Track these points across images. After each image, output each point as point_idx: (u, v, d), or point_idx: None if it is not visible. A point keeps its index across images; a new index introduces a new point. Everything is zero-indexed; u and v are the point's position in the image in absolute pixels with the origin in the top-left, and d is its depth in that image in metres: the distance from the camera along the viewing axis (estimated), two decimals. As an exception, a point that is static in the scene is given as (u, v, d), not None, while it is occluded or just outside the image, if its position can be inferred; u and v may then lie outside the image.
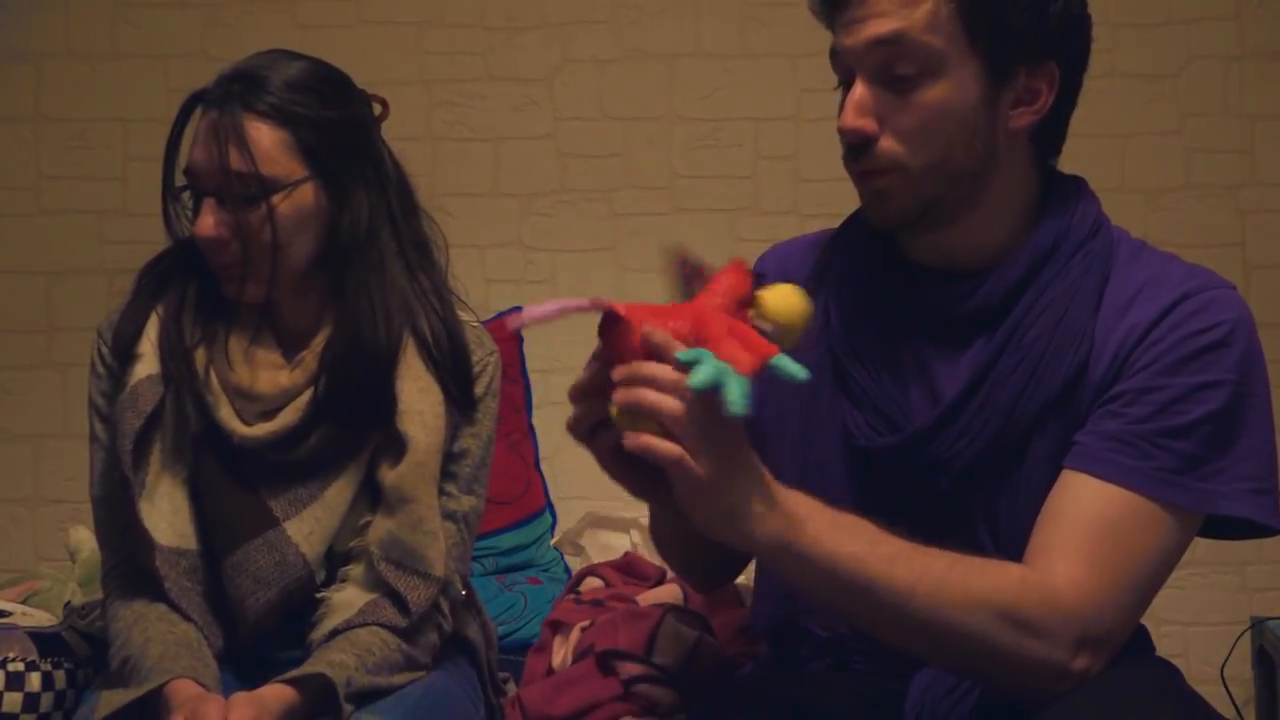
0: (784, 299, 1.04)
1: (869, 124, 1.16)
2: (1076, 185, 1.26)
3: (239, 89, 1.37)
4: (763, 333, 1.01)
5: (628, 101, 2.85)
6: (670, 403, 0.96)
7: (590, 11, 2.85)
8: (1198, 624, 2.72)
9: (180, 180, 1.42)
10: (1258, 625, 2.45)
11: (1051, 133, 1.22)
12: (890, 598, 1.05)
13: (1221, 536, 1.19)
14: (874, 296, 1.26)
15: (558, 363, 2.76)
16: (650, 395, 0.97)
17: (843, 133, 1.17)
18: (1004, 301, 1.20)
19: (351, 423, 1.41)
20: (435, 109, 2.83)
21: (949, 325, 1.22)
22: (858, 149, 1.18)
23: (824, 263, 1.32)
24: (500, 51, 2.85)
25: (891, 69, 1.15)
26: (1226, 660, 2.38)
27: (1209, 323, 1.14)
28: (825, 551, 1.04)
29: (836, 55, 1.20)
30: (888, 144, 1.16)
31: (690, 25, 2.86)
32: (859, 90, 1.16)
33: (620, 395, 0.98)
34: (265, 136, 1.35)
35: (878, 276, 1.26)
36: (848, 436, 1.23)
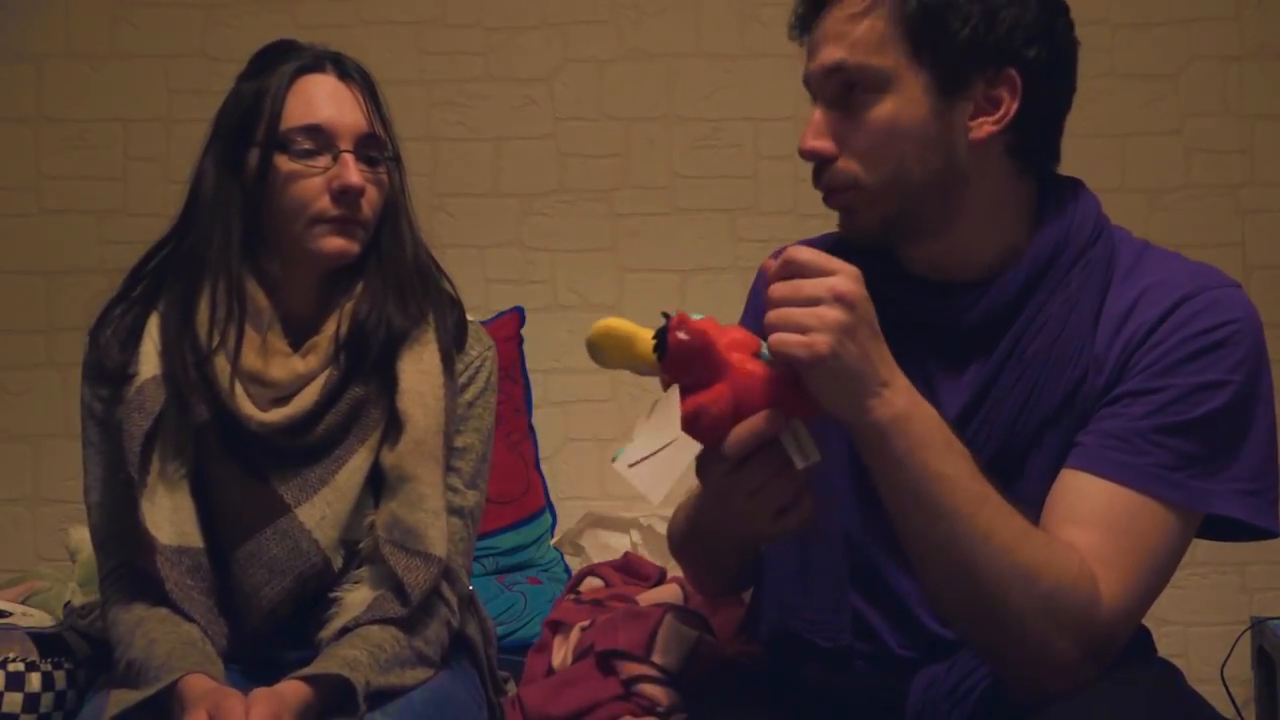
0: (609, 332, 1.07)
1: (825, 145, 1.19)
2: (1075, 189, 1.24)
3: (348, 63, 1.47)
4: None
5: (628, 101, 2.85)
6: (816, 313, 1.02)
7: (590, 11, 2.85)
8: (1198, 624, 2.72)
9: (291, 136, 1.41)
10: (1258, 625, 2.45)
11: (1033, 141, 1.20)
12: (962, 534, 1.05)
13: (1219, 538, 1.19)
14: (875, 310, 1.26)
15: (558, 363, 2.76)
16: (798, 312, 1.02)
17: (801, 154, 1.21)
18: (1003, 315, 1.19)
19: (363, 402, 1.43)
20: (435, 109, 2.83)
21: (950, 339, 1.21)
22: (818, 170, 1.21)
23: None
24: (500, 51, 2.85)
25: (842, 91, 1.18)
26: (1226, 660, 2.38)
27: (1211, 323, 1.14)
28: (921, 460, 1.05)
29: (806, 82, 1.23)
30: (844, 163, 1.19)
31: (690, 25, 2.86)
32: (817, 114, 1.20)
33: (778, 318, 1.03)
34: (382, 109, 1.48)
35: (877, 289, 1.26)
36: (852, 452, 1.23)
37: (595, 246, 2.83)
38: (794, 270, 1.04)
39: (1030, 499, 1.15)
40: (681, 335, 1.03)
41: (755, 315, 1.39)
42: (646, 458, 1.04)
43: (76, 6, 2.83)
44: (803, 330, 1.01)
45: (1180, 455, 1.11)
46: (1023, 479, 1.17)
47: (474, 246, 2.80)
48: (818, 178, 1.21)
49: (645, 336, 1.06)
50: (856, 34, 1.16)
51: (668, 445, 1.04)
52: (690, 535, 1.36)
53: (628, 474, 1.04)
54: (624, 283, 2.81)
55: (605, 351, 1.08)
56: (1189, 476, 1.11)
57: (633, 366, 1.08)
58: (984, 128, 1.16)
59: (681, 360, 1.03)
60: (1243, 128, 2.83)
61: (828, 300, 1.02)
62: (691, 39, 2.86)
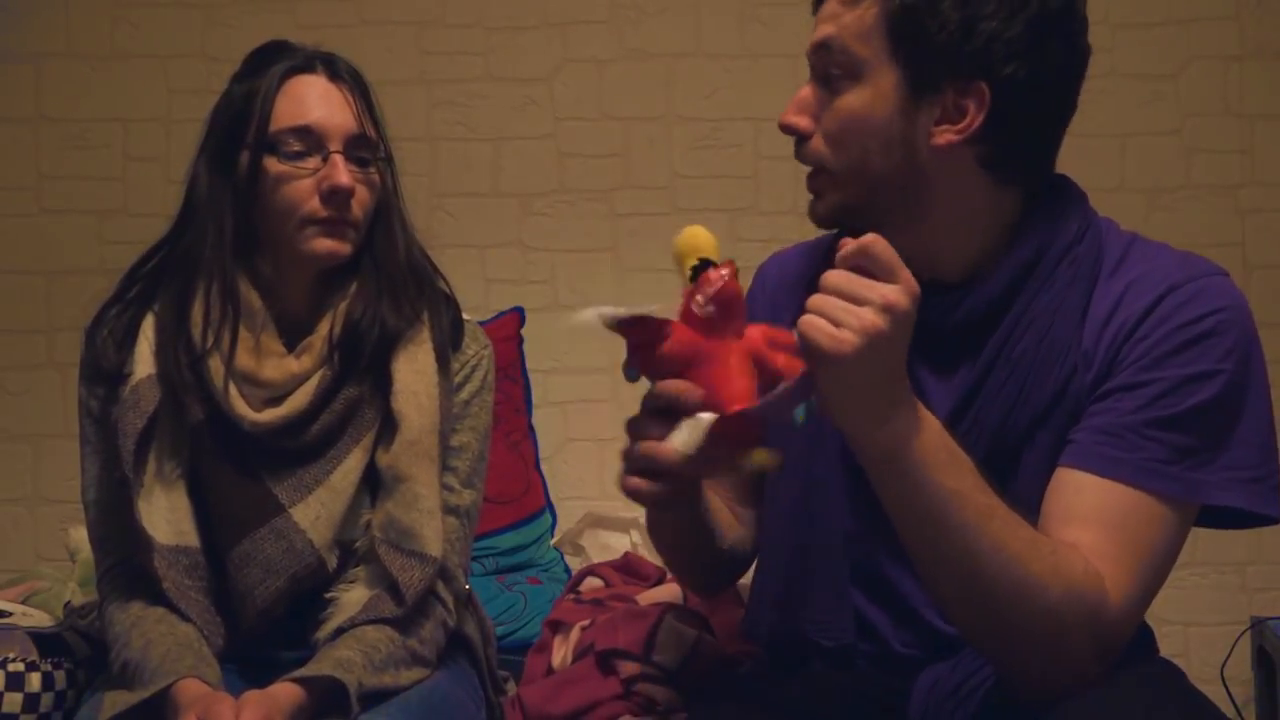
0: (694, 236, 1.10)
1: (801, 121, 1.21)
2: (1062, 189, 1.24)
3: (339, 63, 1.47)
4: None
5: (628, 101, 2.85)
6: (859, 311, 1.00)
7: (590, 11, 2.85)
8: (1198, 624, 2.72)
9: (280, 138, 1.41)
10: (1258, 625, 2.45)
11: (1009, 157, 1.18)
12: (973, 547, 1.04)
13: (1224, 527, 1.18)
14: None
15: (558, 363, 2.76)
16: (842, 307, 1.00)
17: (779, 126, 1.23)
18: (988, 316, 1.19)
19: (358, 402, 1.43)
20: (435, 109, 2.83)
21: (938, 340, 1.21)
22: (796, 146, 1.23)
23: (817, 271, 1.33)
24: (500, 51, 2.85)
25: (826, 71, 1.19)
26: (1226, 660, 2.38)
27: (1198, 313, 1.13)
28: (929, 477, 1.04)
29: (807, 57, 1.24)
30: (815, 143, 1.21)
31: (690, 25, 2.86)
32: (804, 89, 1.21)
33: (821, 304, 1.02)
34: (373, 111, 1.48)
35: None
36: (846, 453, 1.22)
37: (595, 246, 2.83)
38: (864, 260, 1.02)
39: (1025, 497, 1.15)
40: (718, 276, 1.04)
41: (752, 311, 1.39)
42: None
43: (76, 6, 2.83)
44: (836, 323, 1.00)
45: (1173, 448, 1.11)
46: (1017, 478, 1.17)
47: (474, 246, 2.80)
48: (795, 154, 1.24)
49: (705, 251, 1.07)
50: (848, 18, 1.17)
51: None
52: (649, 515, 1.36)
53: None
54: (624, 283, 2.81)
55: (681, 242, 1.10)
56: (1184, 469, 1.11)
57: (679, 264, 1.10)
58: (945, 135, 1.16)
59: (702, 293, 1.05)
60: (1243, 128, 2.83)
61: (875, 305, 0.99)
62: (691, 39, 2.86)
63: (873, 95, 1.16)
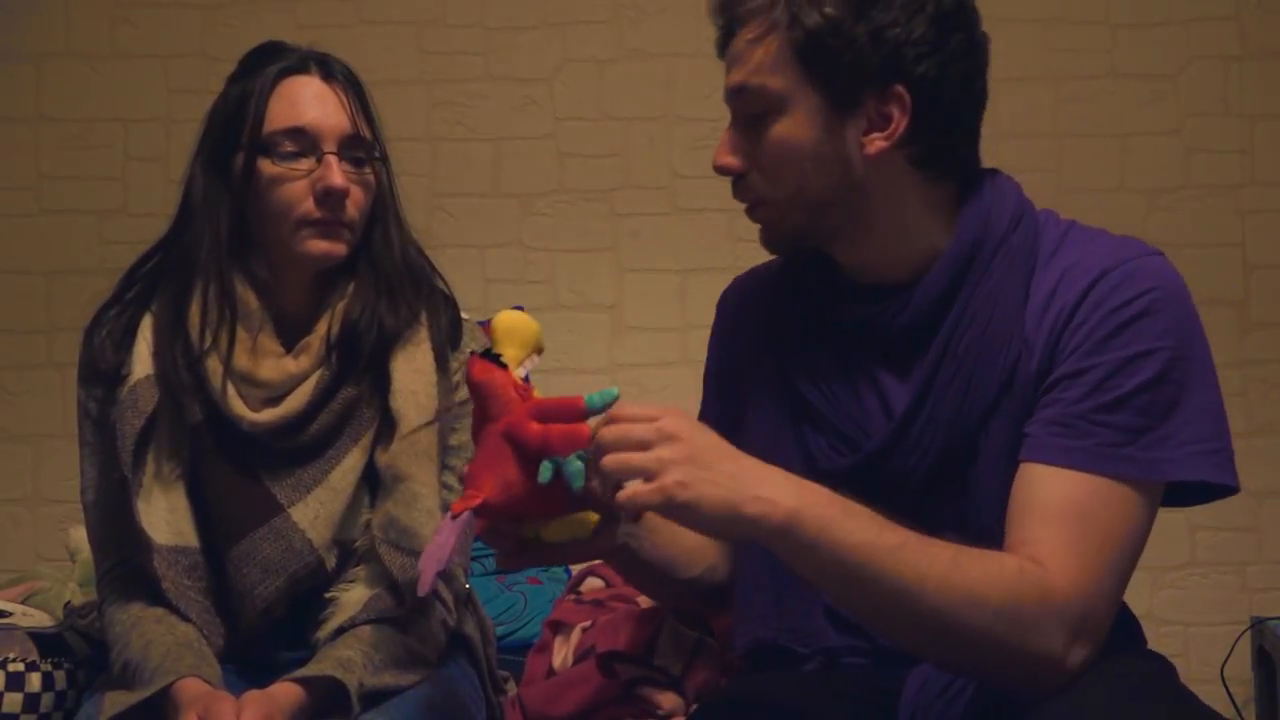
0: (508, 324, 1.19)
1: (734, 161, 1.24)
2: (992, 181, 1.25)
3: (332, 63, 1.46)
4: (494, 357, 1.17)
5: (628, 101, 2.85)
6: (642, 456, 1.04)
7: (590, 11, 2.86)
8: (1198, 624, 2.72)
9: (274, 139, 1.41)
10: (1258, 625, 2.45)
11: (937, 153, 1.21)
12: (897, 590, 1.05)
13: (1187, 504, 1.19)
14: (823, 319, 1.28)
15: (558, 363, 2.76)
16: (628, 456, 1.04)
17: (714, 169, 1.26)
18: (933, 313, 1.21)
19: (356, 402, 1.43)
20: (435, 109, 2.83)
21: (890, 341, 1.23)
22: (734, 184, 1.26)
23: (774, 289, 1.35)
24: (500, 51, 2.85)
25: (746, 111, 1.22)
26: (1226, 660, 2.38)
27: (1130, 295, 1.14)
28: (831, 540, 1.04)
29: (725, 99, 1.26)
30: (754, 179, 1.24)
31: (690, 25, 2.85)
32: (727, 132, 1.25)
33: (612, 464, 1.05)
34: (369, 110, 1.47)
35: (823, 299, 1.28)
36: (810, 460, 1.24)
37: (595, 246, 2.84)
38: (616, 422, 1.06)
39: (987, 485, 1.17)
40: (467, 367, 1.13)
41: (719, 338, 1.41)
42: None
43: (76, 6, 2.83)
44: (648, 478, 1.02)
45: (1123, 429, 1.12)
46: (976, 466, 1.19)
47: (474, 246, 2.80)
48: (734, 192, 1.27)
49: (512, 339, 1.18)
50: (755, 58, 1.20)
51: None
52: (634, 581, 1.42)
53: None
54: (624, 283, 2.81)
55: (496, 324, 1.21)
56: (1137, 449, 1.12)
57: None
58: (875, 143, 1.19)
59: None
60: (1243, 128, 2.83)
61: (659, 441, 1.03)
62: (691, 39, 2.86)
63: (798, 122, 1.19)
